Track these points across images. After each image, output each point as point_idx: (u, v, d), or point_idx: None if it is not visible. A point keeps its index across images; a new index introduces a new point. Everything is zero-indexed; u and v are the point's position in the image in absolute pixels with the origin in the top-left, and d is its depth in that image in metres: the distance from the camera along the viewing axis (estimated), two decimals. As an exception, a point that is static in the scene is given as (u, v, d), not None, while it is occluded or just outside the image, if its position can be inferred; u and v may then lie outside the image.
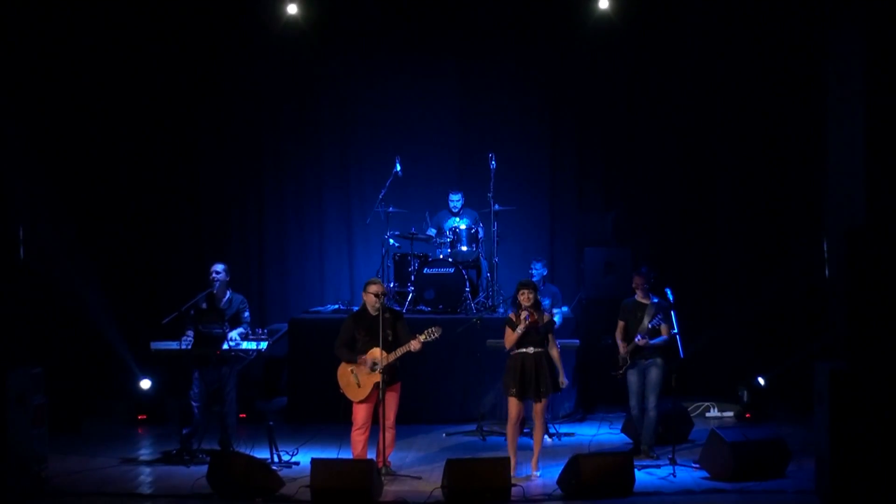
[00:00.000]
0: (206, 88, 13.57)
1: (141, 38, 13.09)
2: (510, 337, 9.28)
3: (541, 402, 9.29)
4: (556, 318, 11.19)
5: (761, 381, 12.03)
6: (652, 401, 9.92)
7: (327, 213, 13.91)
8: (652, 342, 9.86)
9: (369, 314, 9.27)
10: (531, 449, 9.51)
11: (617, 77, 13.60)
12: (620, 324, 10.14)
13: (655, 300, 10.04)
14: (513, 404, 9.31)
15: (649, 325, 9.86)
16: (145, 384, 11.97)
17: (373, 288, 9.30)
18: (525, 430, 10.24)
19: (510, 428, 9.37)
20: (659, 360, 9.91)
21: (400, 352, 9.16)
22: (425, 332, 9.13)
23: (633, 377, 10.03)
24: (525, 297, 9.24)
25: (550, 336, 9.41)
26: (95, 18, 12.74)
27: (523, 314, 9.18)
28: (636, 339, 9.86)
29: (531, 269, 11.55)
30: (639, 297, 10.08)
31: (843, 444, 8.23)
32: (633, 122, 13.60)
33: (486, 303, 12.23)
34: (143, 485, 9.28)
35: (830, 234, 12.15)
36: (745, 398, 12.01)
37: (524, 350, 9.27)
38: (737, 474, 8.99)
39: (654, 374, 9.91)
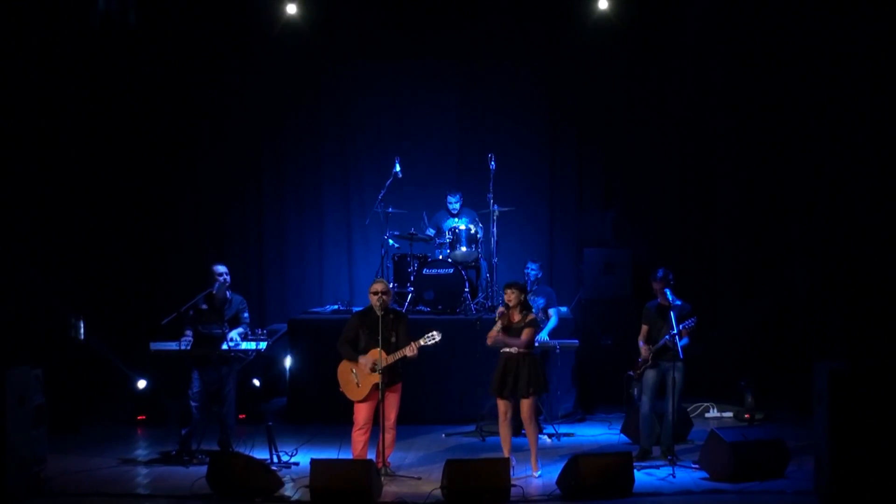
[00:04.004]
0: (205, 88, 13.58)
1: (141, 39, 13.09)
2: (489, 333, 9.44)
3: (525, 402, 9.33)
4: (553, 318, 11.20)
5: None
6: (673, 403, 9.74)
7: (327, 213, 13.90)
8: (680, 343, 9.59)
9: (374, 314, 9.28)
10: (528, 450, 9.55)
11: (616, 77, 13.60)
12: (644, 327, 9.96)
13: (679, 302, 9.80)
14: (500, 404, 9.43)
15: (680, 327, 9.60)
16: (141, 384, 11.95)
17: (374, 287, 9.31)
18: (522, 432, 10.27)
19: (501, 428, 9.45)
20: (680, 364, 9.70)
21: (398, 355, 9.17)
22: (423, 337, 9.14)
23: (650, 375, 9.88)
24: (507, 296, 9.37)
25: (529, 330, 9.37)
26: (96, 19, 12.74)
27: (498, 311, 9.38)
28: (665, 338, 9.70)
29: (526, 269, 11.57)
30: (661, 300, 9.86)
31: (843, 444, 8.23)
32: (633, 122, 13.60)
33: (486, 303, 12.21)
34: (142, 485, 9.27)
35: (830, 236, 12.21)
36: (749, 399, 11.97)
37: (508, 350, 9.36)
38: (736, 475, 8.98)
39: (677, 377, 9.69)
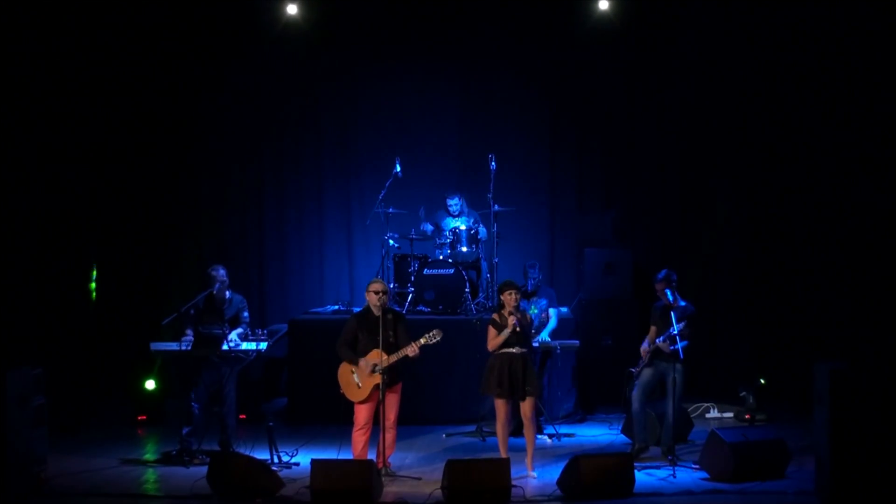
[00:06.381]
0: (206, 88, 13.57)
1: (141, 38, 13.09)
2: (495, 339, 9.32)
3: (527, 401, 9.32)
4: (553, 319, 11.19)
5: (762, 381, 12.01)
6: (674, 404, 9.75)
7: (327, 213, 13.90)
8: (672, 347, 9.61)
9: (372, 314, 9.28)
10: (522, 450, 9.52)
11: (616, 78, 13.60)
12: (652, 328, 9.97)
13: (683, 303, 9.83)
14: (500, 405, 9.38)
15: (672, 331, 9.61)
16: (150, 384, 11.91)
17: (373, 286, 9.31)
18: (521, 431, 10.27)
19: (499, 428, 9.43)
20: (679, 366, 9.72)
21: (399, 355, 9.16)
22: (424, 336, 9.13)
23: (646, 374, 9.93)
24: (511, 298, 9.28)
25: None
26: (97, 19, 12.74)
27: (511, 319, 9.21)
28: (657, 341, 9.71)
29: (529, 275, 11.52)
30: (664, 301, 9.85)
31: (843, 445, 8.23)
32: (633, 122, 13.61)
33: (486, 303, 12.21)
34: (143, 485, 9.26)
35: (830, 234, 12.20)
36: (751, 401, 11.89)
37: (510, 350, 9.31)
38: (737, 475, 8.98)
39: (677, 378, 9.71)
